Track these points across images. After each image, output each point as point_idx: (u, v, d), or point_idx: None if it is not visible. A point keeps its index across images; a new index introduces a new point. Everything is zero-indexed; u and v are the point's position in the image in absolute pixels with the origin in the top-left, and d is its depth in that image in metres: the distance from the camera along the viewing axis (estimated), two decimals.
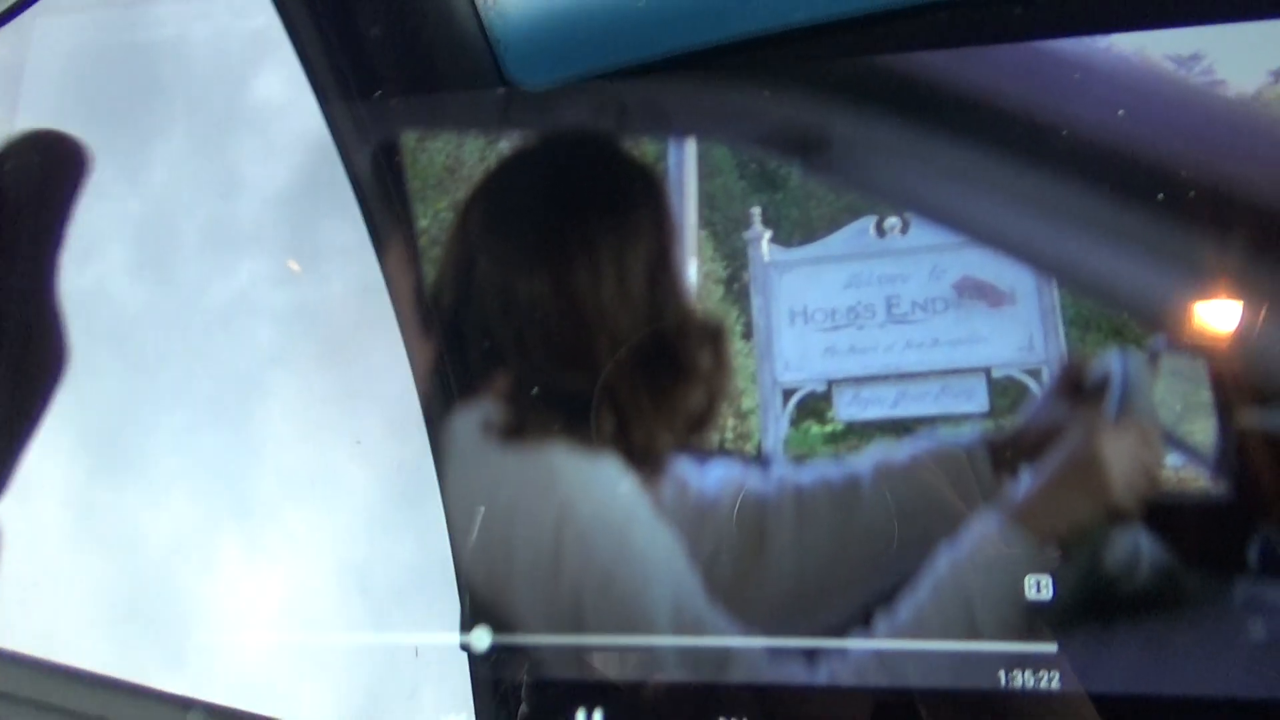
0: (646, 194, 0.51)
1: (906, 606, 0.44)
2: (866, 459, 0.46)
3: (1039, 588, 0.43)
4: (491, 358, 0.50)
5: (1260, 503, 0.42)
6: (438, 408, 0.51)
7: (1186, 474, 0.44)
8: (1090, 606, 0.42)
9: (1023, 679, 0.43)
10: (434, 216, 0.53)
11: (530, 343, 0.50)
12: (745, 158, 0.51)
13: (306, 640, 0.49)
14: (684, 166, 0.51)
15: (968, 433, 0.45)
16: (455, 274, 0.52)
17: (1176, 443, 0.44)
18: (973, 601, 0.43)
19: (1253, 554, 0.42)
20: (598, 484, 0.49)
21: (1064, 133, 0.47)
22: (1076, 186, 0.46)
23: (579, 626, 0.47)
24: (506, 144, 0.53)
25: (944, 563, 0.45)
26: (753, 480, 0.47)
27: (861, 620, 0.44)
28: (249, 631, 0.49)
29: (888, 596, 0.44)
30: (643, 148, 0.52)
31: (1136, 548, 0.43)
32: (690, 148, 0.51)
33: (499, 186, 0.52)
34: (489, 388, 0.50)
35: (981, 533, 0.44)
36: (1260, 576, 0.41)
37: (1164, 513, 0.43)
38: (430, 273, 0.52)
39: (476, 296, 0.51)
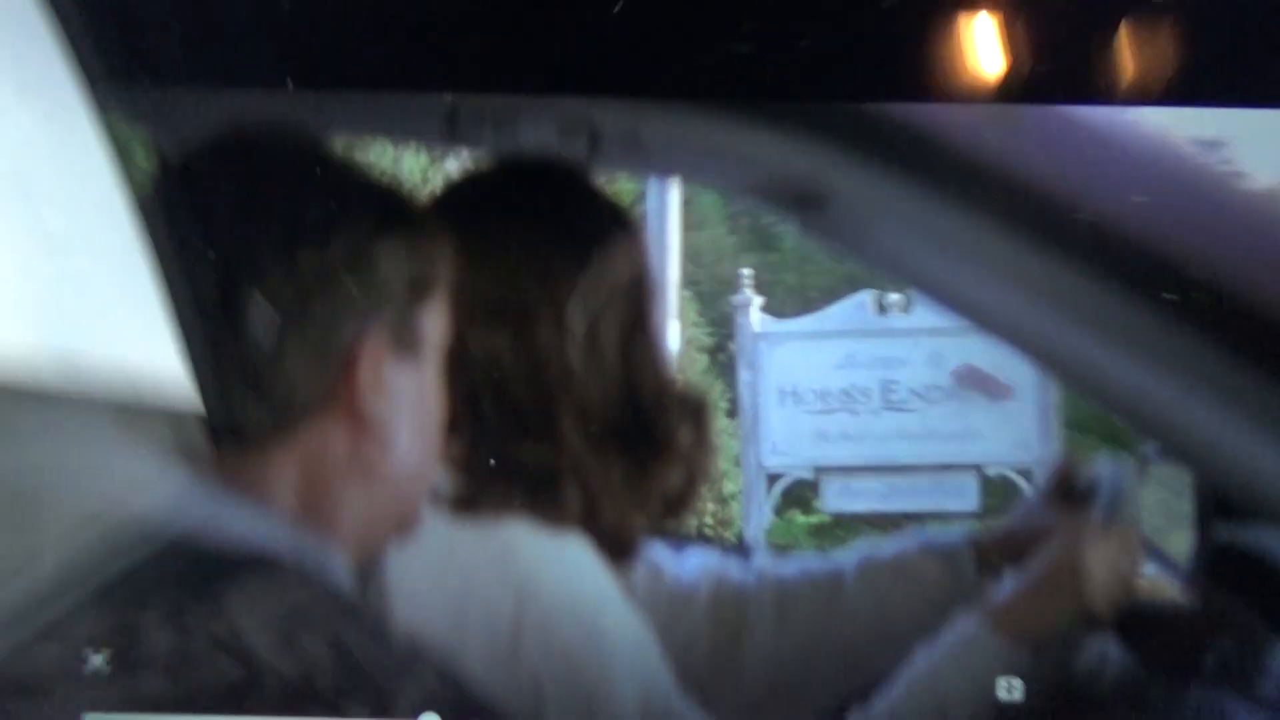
0: (623, 240, 0.45)
1: (881, 703, 0.44)
2: (851, 554, 0.44)
3: (1009, 689, 0.44)
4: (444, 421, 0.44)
5: (1224, 615, 0.44)
6: None
7: (1158, 582, 0.45)
8: (1057, 709, 0.44)
9: None
10: None
11: (486, 407, 0.45)
12: (736, 209, 0.45)
13: None
14: (666, 212, 0.45)
15: (955, 532, 0.44)
16: None
17: (1154, 551, 0.44)
18: (947, 700, 0.44)
19: (1211, 664, 0.44)
20: (562, 565, 0.45)
21: (1080, 216, 0.43)
22: (1087, 276, 0.43)
23: (539, 717, 0.45)
24: (455, 163, 0.44)
25: (921, 661, 0.44)
26: (732, 570, 0.45)
27: (835, 715, 0.44)
28: None
29: (863, 692, 0.44)
30: (618, 184, 0.45)
31: (1105, 653, 0.44)
32: (674, 191, 0.45)
33: (446, 217, 0.44)
34: (439, 455, 0.45)
35: (960, 633, 0.44)
36: (1218, 686, 0.44)
37: (1134, 619, 0.44)
38: None
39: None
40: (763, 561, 0.45)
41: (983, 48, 0.41)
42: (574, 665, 0.44)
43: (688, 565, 0.45)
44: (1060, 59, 0.42)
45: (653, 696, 0.44)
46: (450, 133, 0.44)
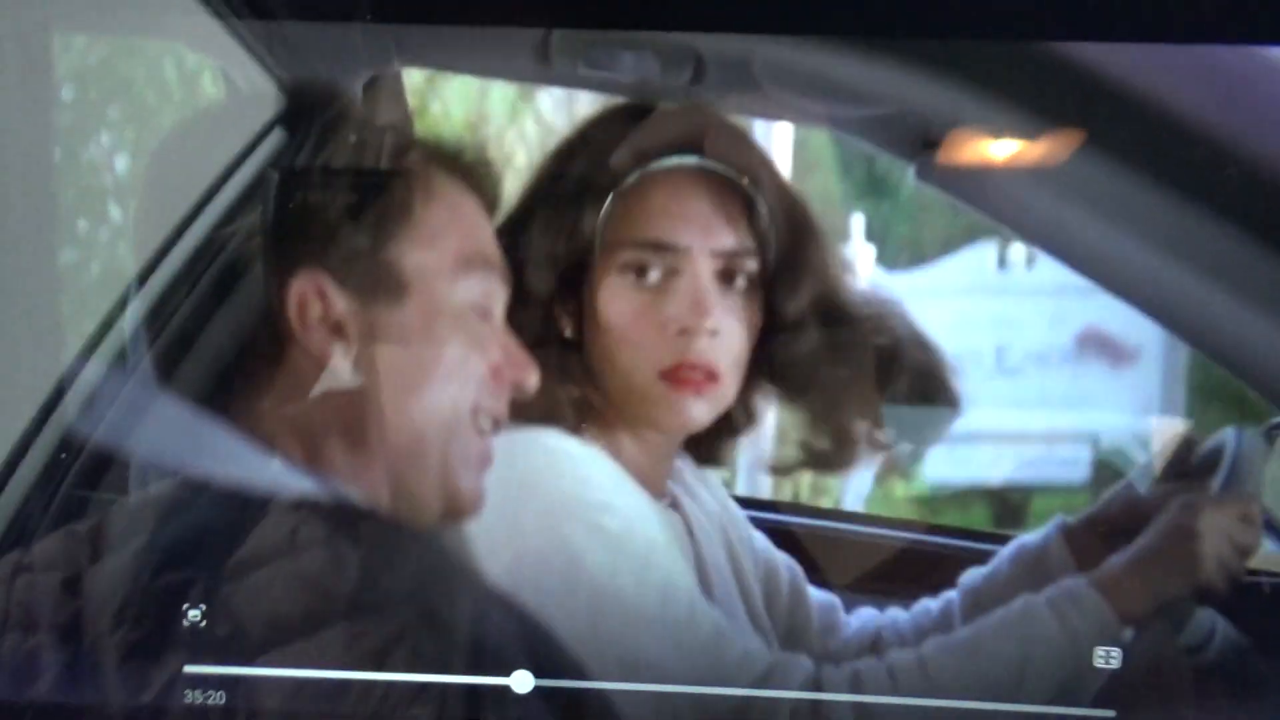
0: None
1: (965, 631, 0.43)
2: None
3: (1108, 658, 0.43)
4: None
5: None
6: None
7: (1276, 558, 0.43)
8: (1155, 681, 0.43)
9: None
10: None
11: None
12: (850, 151, 0.41)
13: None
14: (772, 150, 0.41)
15: (1047, 527, 0.43)
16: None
17: (1275, 526, 0.42)
18: (1033, 652, 0.42)
19: None
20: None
21: (1224, 165, 0.40)
22: (1227, 233, 0.40)
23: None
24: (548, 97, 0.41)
25: (1019, 605, 0.43)
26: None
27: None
28: None
29: None
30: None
31: (1213, 627, 0.43)
32: (783, 127, 0.41)
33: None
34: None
35: (1064, 589, 0.42)
36: None
37: (1245, 594, 0.42)
38: None
39: None
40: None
41: None
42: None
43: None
44: None
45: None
46: (543, 66, 0.41)
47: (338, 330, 0.40)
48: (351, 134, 0.41)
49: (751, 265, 0.43)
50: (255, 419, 0.41)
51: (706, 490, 0.47)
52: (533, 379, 0.42)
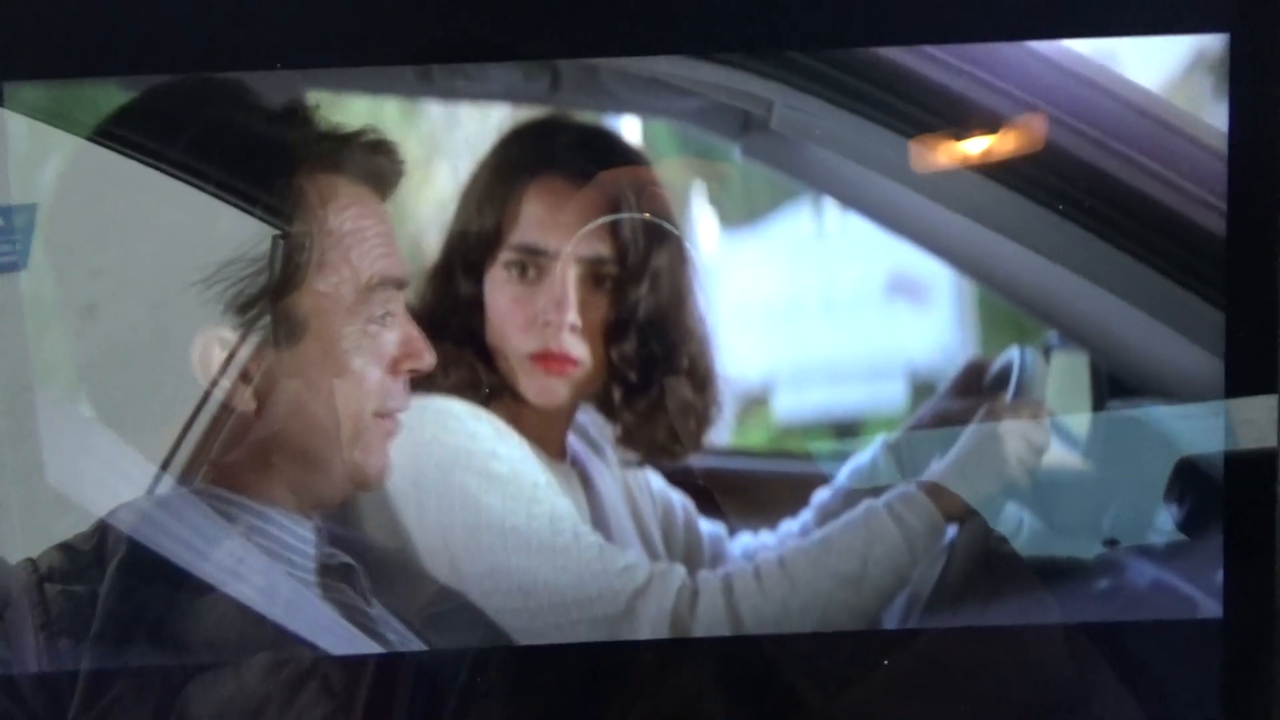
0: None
1: (816, 535, 0.50)
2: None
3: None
4: None
5: (1116, 480, 0.51)
6: None
7: (1063, 454, 0.51)
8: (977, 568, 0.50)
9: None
10: None
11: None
12: (688, 136, 0.50)
13: None
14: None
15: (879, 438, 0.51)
16: None
17: (1059, 428, 0.51)
18: (871, 550, 0.50)
19: (1107, 523, 0.51)
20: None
21: (992, 136, 0.49)
22: (1003, 193, 0.49)
23: None
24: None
25: (862, 508, 0.51)
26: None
27: None
28: None
29: None
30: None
31: (1019, 518, 0.51)
32: (631, 121, 0.50)
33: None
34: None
35: (901, 494, 0.50)
36: (1113, 542, 0.51)
37: (1043, 486, 0.51)
38: None
39: None
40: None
41: None
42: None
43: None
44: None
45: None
46: (427, 83, 0.49)
47: (243, 376, 0.45)
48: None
49: (613, 270, 0.51)
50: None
51: (609, 444, 0.54)
52: (429, 360, 0.48)
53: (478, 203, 0.50)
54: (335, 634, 0.47)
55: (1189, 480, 0.50)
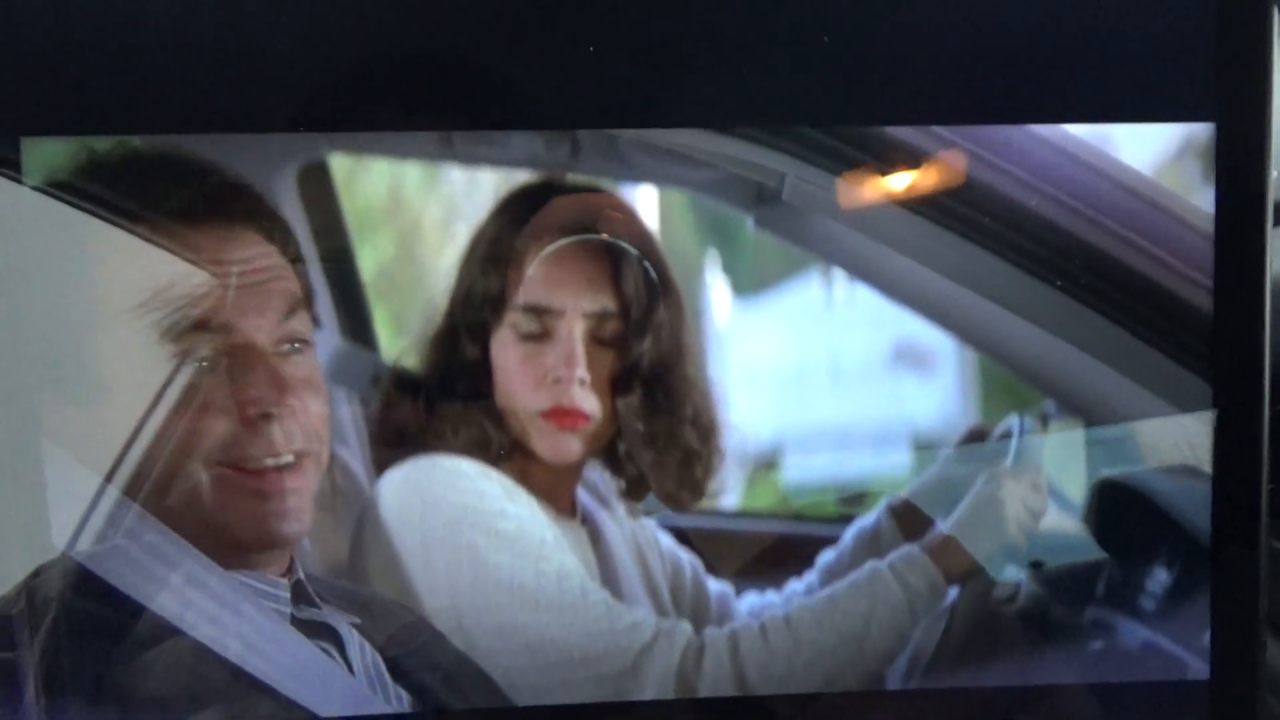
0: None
1: (821, 594, 0.52)
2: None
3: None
4: None
5: (1110, 543, 0.53)
6: None
7: (1061, 520, 0.53)
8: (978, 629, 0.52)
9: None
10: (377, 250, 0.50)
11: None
12: (701, 205, 0.51)
13: None
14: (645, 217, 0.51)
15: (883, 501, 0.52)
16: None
17: (1056, 493, 0.53)
18: (875, 613, 0.51)
19: (1102, 586, 0.52)
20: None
21: (992, 216, 0.51)
22: (1005, 267, 0.51)
23: None
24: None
25: (867, 568, 0.52)
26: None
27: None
28: None
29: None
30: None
31: (1019, 581, 0.52)
32: (648, 190, 0.51)
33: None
34: None
35: (904, 555, 0.52)
36: (1103, 604, 0.52)
37: (1041, 550, 0.52)
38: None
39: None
40: None
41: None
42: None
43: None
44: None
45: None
46: (448, 148, 0.50)
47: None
48: None
49: (617, 324, 0.52)
50: None
51: (618, 501, 0.55)
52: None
53: (480, 267, 0.51)
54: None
55: (1176, 543, 0.52)
